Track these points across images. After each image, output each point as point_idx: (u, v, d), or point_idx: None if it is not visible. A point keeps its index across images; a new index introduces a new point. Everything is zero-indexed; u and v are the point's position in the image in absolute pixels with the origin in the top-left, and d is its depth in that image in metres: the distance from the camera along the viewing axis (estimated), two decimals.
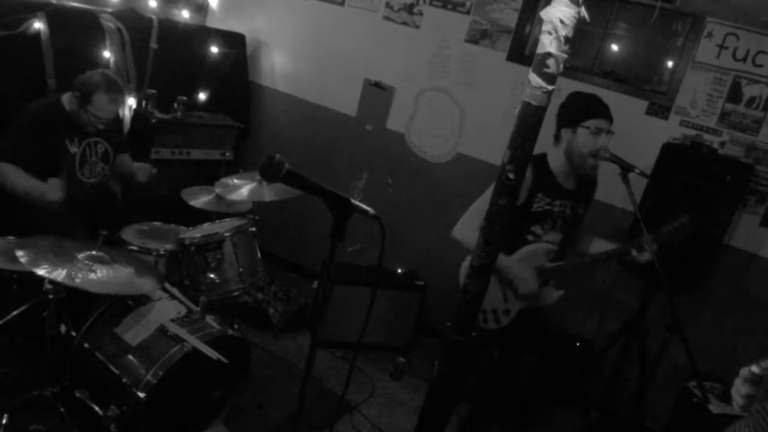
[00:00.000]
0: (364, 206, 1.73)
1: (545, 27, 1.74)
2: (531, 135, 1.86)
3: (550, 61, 1.75)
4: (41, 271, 2.30)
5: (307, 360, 1.88)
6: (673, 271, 2.97)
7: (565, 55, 1.76)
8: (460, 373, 2.23)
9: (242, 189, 3.27)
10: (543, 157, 2.83)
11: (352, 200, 1.72)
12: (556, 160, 2.81)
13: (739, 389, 1.38)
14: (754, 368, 1.35)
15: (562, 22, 1.70)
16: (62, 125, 3.16)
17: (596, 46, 3.95)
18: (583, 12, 1.73)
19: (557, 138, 2.81)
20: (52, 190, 2.99)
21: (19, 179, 3.03)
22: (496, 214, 1.93)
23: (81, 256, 2.50)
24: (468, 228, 2.78)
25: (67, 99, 3.19)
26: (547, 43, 1.74)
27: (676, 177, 3.34)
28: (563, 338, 3.90)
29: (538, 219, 2.83)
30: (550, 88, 1.79)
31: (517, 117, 1.85)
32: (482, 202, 2.78)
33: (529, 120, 1.83)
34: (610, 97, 3.75)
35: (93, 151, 3.33)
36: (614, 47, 3.98)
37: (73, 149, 3.23)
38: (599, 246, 2.97)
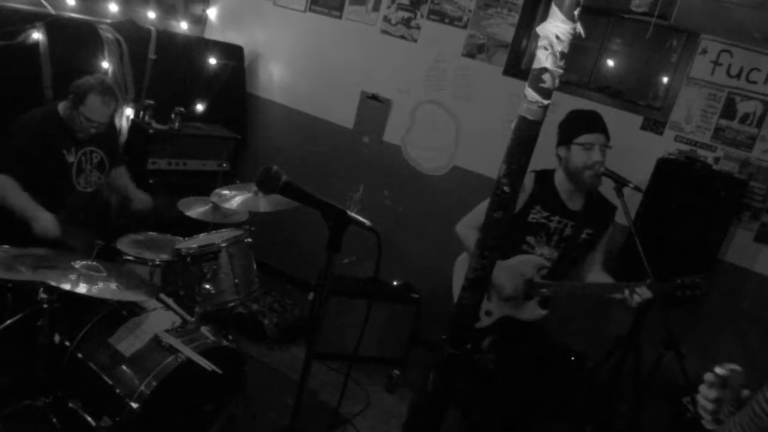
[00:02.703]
0: (361, 218, 1.74)
1: (541, 42, 1.76)
2: (527, 149, 1.87)
3: (546, 76, 1.77)
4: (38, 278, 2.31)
5: (302, 372, 1.88)
6: None
7: (561, 71, 1.78)
8: (454, 385, 2.23)
9: (237, 199, 3.27)
10: (551, 173, 2.92)
11: (349, 212, 1.72)
12: (559, 178, 2.89)
13: (707, 394, 1.37)
14: (718, 370, 1.34)
15: (557, 37, 1.72)
16: (58, 134, 3.16)
17: (592, 61, 3.99)
18: (579, 28, 1.75)
19: (558, 157, 2.87)
20: (45, 224, 2.94)
21: (16, 197, 2.99)
22: (491, 226, 1.93)
23: (77, 266, 2.50)
24: (467, 225, 2.88)
25: (62, 107, 3.18)
26: (543, 59, 1.76)
27: (671, 192, 3.35)
28: (558, 351, 3.89)
29: (532, 230, 2.84)
30: (545, 102, 1.80)
31: (513, 131, 1.87)
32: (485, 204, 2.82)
33: (525, 134, 1.85)
34: (605, 112, 3.77)
35: (88, 160, 3.32)
36: (610, 62, 4.01)
37: (70, 158, 3.22)
38: (597, 277, 2.94)
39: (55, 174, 3.17)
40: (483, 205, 2.80)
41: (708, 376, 1.36)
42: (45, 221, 2.94)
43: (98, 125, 3.17)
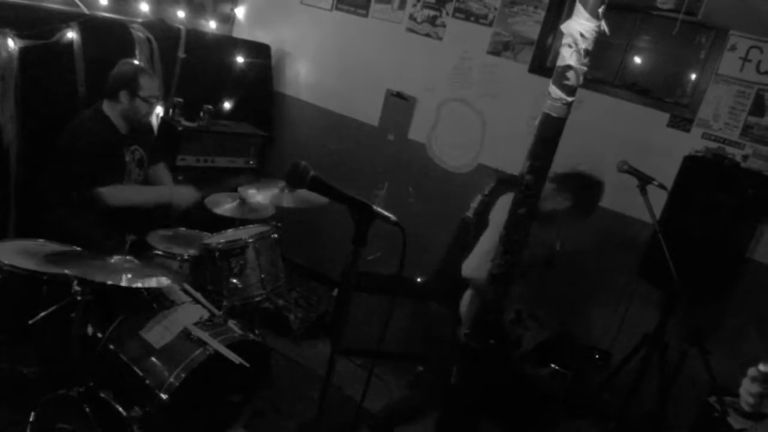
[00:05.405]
0: (386, 213, 1.77)
1: (565, 40, 1.77)
2: (551, 146, 1.89)
3: (570, 74, 1.78)
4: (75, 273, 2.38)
5: (327, 367, 1.91)
6: (694, 284, 2.96)
7: (585, 68, 1.79)
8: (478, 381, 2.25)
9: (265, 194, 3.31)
10: None
11: (375, 207, 1.75)
12: None
13: (749, 388, 1.40)
14: (762, 367, 1.36)
15: (582, 35, 1.73)
16: (116, 137, 3.28)
17: (618, 58, 3.96)
18: (603, 26, 1.75)
19: None
20: (182, 195, 3.32)
21: (138, 194, 3.26)
22: (516, 223, 1.95)
23: (112, 261, 2.57)
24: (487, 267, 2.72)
25: (108, 107, 3.26)
26: (567, 56, 1.77)
27: (698, 190, 3.32)
28: (583, 349, 3.89)
29: None
30: (569, 99, 1.81)
31: (538, 128, 1.88)
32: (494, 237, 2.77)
33: (549, 131, 1.86)
34: (631, 109, 3.78)
35: (133, 158, 3.41)
36: (636, 59, 3.98)
37: (127, 158, 3.32)
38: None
39: (115, 176, 3.27)
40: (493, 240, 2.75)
41: (751, 371, 1.40)
42: (182, 194, 3.34)
43: (156, 100, 3.34)
